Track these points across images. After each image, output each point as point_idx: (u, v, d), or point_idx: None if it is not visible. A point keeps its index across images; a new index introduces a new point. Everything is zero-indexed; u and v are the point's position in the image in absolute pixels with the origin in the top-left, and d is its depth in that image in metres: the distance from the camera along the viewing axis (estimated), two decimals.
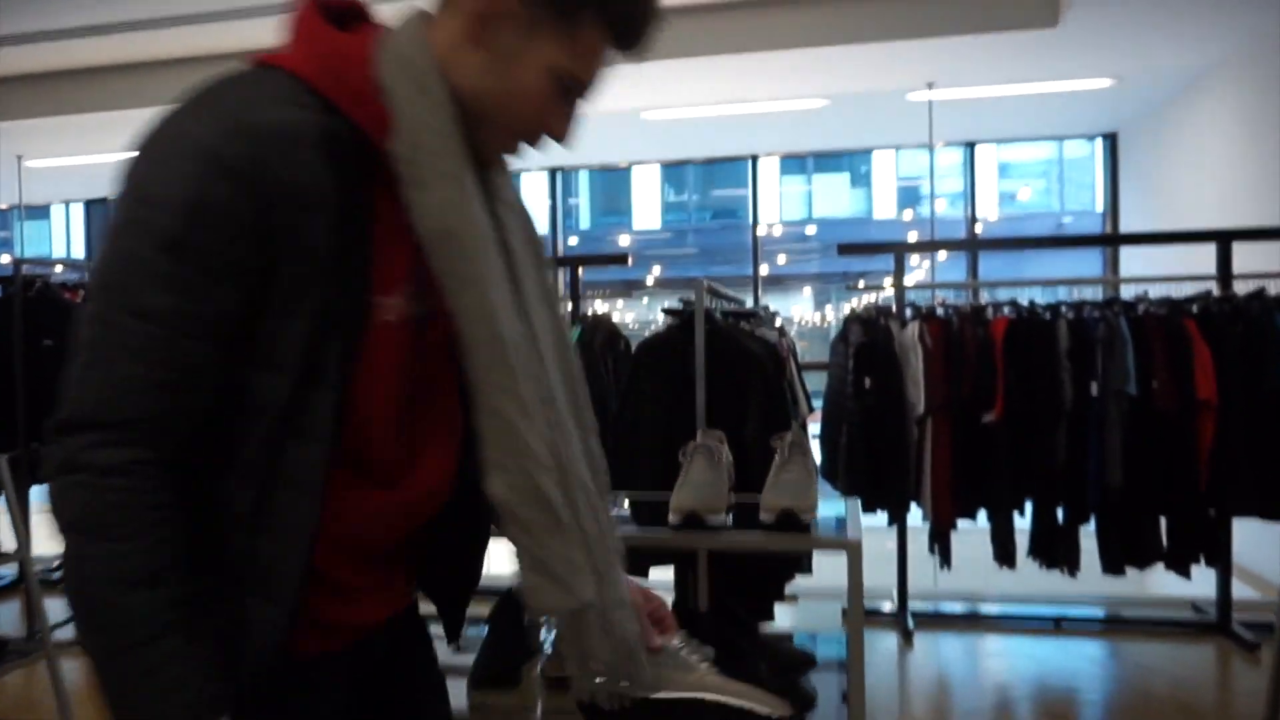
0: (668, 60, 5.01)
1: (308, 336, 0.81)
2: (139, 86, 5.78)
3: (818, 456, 3.78)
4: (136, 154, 0.81)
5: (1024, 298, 3.82)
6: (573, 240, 15.95)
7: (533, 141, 0.94)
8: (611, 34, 0.89)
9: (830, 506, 1.82)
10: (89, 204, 9.69)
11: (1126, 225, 7.01)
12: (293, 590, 0.83)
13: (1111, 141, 7.14)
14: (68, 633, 3.28)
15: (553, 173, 8.07)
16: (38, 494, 3.90)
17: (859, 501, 1.83)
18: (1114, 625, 3.93)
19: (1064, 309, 3.68)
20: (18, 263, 3.95)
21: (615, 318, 4.05)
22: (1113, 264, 7.00)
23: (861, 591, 1.52)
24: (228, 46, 5.34)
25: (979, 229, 7.62)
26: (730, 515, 1.71)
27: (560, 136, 0.94)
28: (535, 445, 0.89)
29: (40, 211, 11.90)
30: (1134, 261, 6.63)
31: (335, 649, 0.92)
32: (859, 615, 1.51)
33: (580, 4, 0.87)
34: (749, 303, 5.44)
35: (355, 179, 0.83)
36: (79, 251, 13.53)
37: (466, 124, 0.88)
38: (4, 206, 10.17)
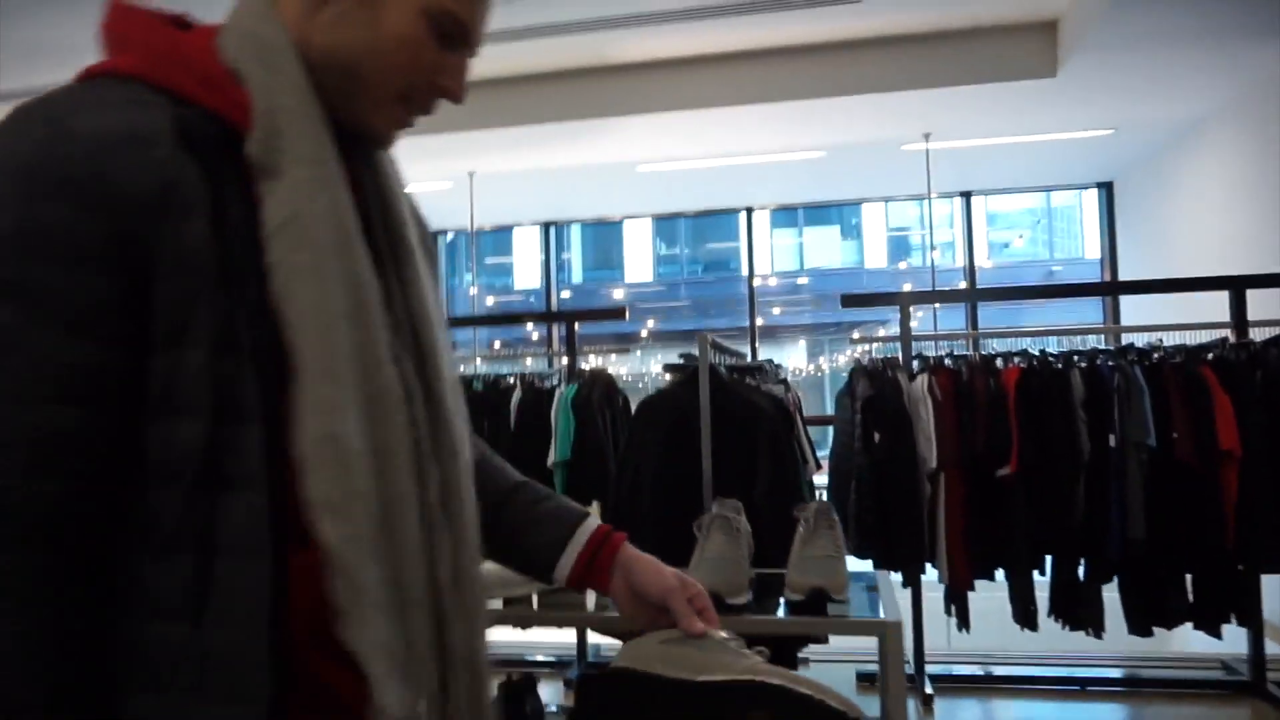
0: (664, 113, 4.97)
1: (211, 367, 0.66)
2: None
3: None
4: None
5: (1029, 347, 3.71)
6: (565, 294, 15.91)
7: (422, 102, 0.81)
8: None
9: (855, 579, 1.67)
10: None
11: (1125, 273, 6.96)
12: (263, 686, 0.66)
13: (1108, 190, 7.13)
14: None
15: (546, 227, 8.01)
16: None
17: (889, 575, 1.68)
18: (1141, 686, 3.75)
19: (1077, 358, 3.57)
20: None
21: (610, 371, 3.93)
22: (1113, 313, 6.93)
23: (901, 676, 1.37)
24: None
25: (977, 275, 7.57)
26: (750, 594, 1.57)
27: (452, 93, 0.81)
28: (369, 483, 0.70)
29: None
30: (1132, 311, 6.57)
31: None
32: (900, 701, 1.35)
33: None
34: (748, 355, 5.32)
35: (230, 173, 0.69)
36: None
37: (335, 101, 0.76)
38: None
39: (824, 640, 2.70)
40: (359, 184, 0.82)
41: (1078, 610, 3.47)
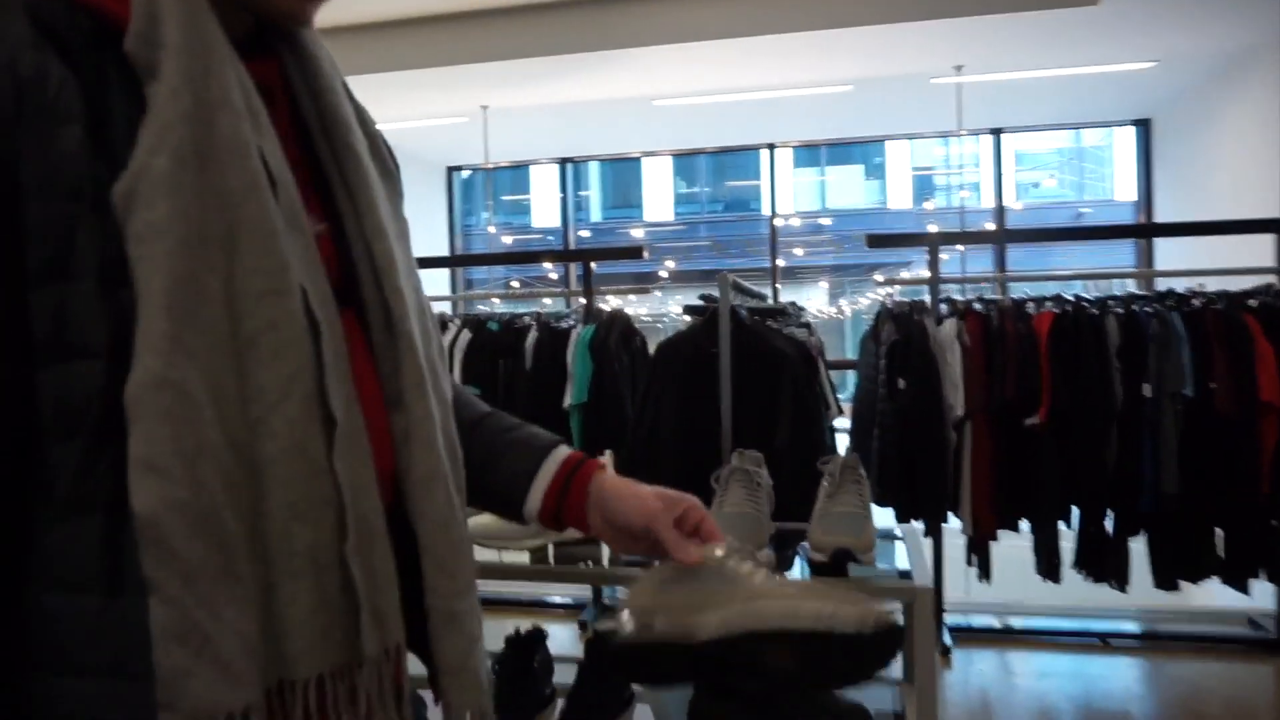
0: (682, 44, 4.76)
1: (101, 300, 0.56)
2: None
3: None
4: None
5: (1060, 292, 3.58)
6: (584, 233, 15.75)
7: None
8: None
9: (882, 542, 1.58)
10: None
11: (1160, 216, 6.75)
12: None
13: (1145, 128, 6.87)
14: None
15: (563, 164, 7.84)
16: None
17: (919, 532, 1.59)
18: (1163, 641, 3.69)
19: (1112, 303, 3.43)
20: None
21: (628, 312, 3.83)
22: (1146, 257, 6.74)
23: (932, 642, 1.29)
24: None
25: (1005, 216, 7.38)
26: (772, 550, 1.48)
27: None
28: (220, 436, 0.59)
29: None
30: (1166, 256, 6.38)
31: None
32: (931, 677, 1.27)
33: None
34: (769, 297, 5.20)
35: (114, 75, 0.59)
36: None
37: None
38: None
39: None
40: (282, 84, 0.71)
41: (1103, 563, 3.40)
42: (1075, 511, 3.43)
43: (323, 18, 0.72)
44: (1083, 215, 15.56)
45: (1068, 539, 3.46)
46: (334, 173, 0.72)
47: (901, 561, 1.47)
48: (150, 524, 0.56)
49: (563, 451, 0.87)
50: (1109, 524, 3.39)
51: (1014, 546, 3.56)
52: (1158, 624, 3.81)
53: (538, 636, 1.68)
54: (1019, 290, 3.83)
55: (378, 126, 0.81)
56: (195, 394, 0.57)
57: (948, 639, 3.58)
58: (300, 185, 0.67)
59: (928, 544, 3.57)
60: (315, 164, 0.72)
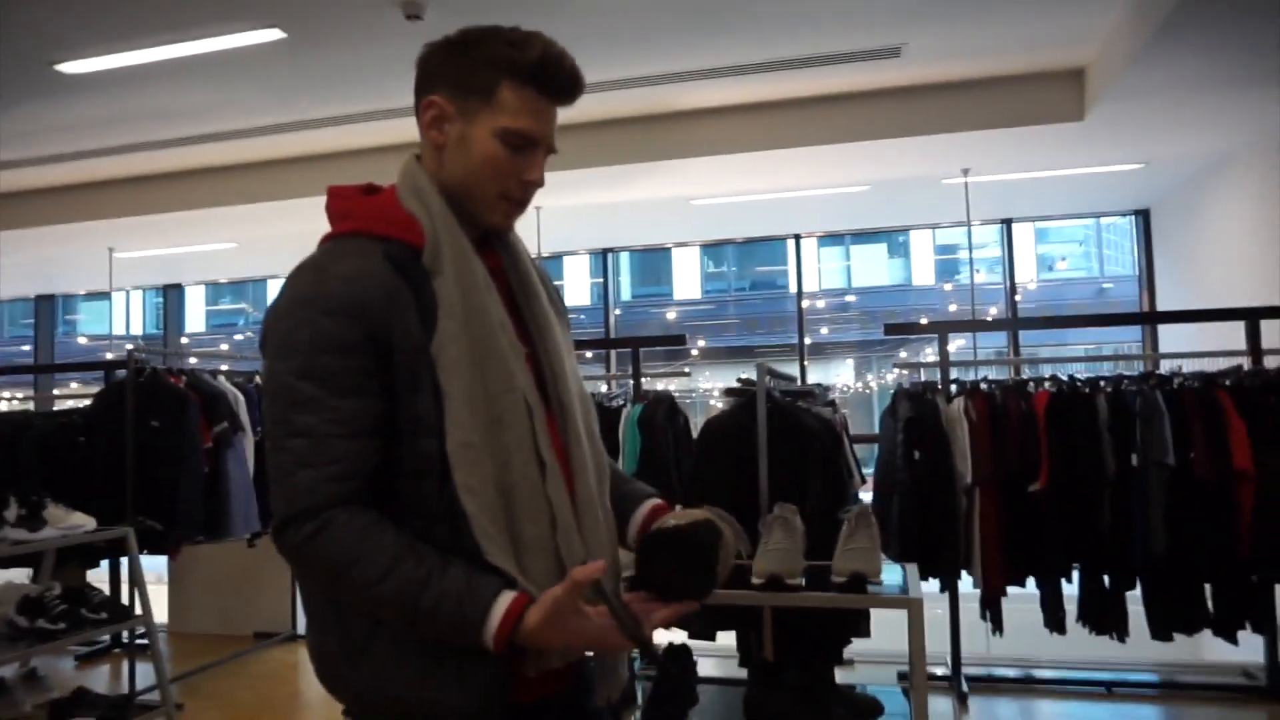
0: (719, 156, 5.39)
1: (434, 404, 1.08)
2: (216, 190, 6.40)
3: None
4: (269, 320, 1.13)
5: (1064, 372, 4.02)
6: (615, 312, 16.35)
7: (518, 196, 1.21)
8: (531, 88, 1.16)
9: (890, 573, 2.07)
10: (159, 289, 10.27)
11: (1162, 297, 7.20)
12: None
13: (1144, 218, 7.39)
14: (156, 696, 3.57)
15: (602, 254, 8.48)
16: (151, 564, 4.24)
17: (915, 567, 2.07)
18: (1167, 690, 4.04)
19: (1103, 383, 3.88)
20: (131, 352, 4.36)
21: (663, 386, 4.32)
22: (1150, 337, 7.18)
23: (923, 643, 1.77)
24: (283, 152, 5.95)
25: (1019, 297, 7.84)
26: (804, 579, 1.97)
27: (536, 182, 1.21)
28: (491, 471, 1.12)
29: (99, 294, 12.57)
30: (1170, 333, 6.80)
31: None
32: (922, 667, 1.75)
33: (490, 81, 1.15)
34: (797, 375, 5.69)
35: (422, 277, 1.13)
36: (136, 330, 14.14)
37: (464, 212, 1.18)
38: (82, 292, 10.83)
39: (866, 634, 3.07)
40: (500, 266, 1.26)
41: (1103, 617, 3.77)
42: (1077, 569, 3.82)
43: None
44: (1104, 290, 15.88)
45: (1074, 594, 3.83)
46: (530, 319, 1.28)
47: (904, 588, 1.95)
48: (474, 518, 1.09)
49: (651, 502, 1.35)
50: (1107, 580, 3.78)
51: (1028, 608, 3.92)
52: (1161, 674, 4.16)
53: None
54: (1040, 370, 4.26)
55: None
56: (480, 449, 1.11)
57: (965, 686, 3.97)
58: (514, 326, 1.22)
59: (944, 600, 3.99)
60: (519, 313, 1.27)
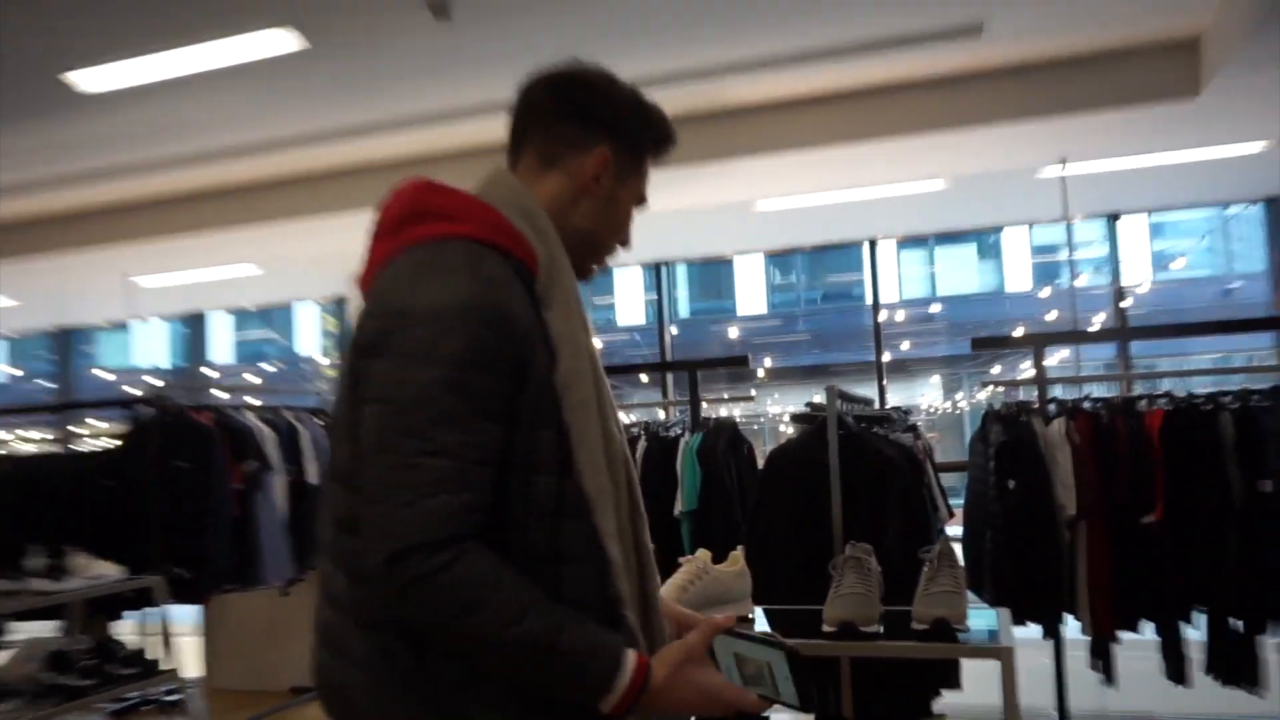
0: (783, 153, 5.40)
1: (556, 442, 1.15)
2: (237, 209, 6.60)
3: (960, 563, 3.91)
4: (399, 319, 1.13)
5: (1184, 387, 3.92)
6: (672, 329, 16.34)
7: (614, 255, 1.37)
8: (657, 158, 1.36)
9: (979, 618, 2.04)
10: (185, 319, 10.60)
11: None
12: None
13: (1274, 205, 7.19)
14: None
15: (656, 268, 8.48)
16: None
17: (1008, 611, 2.05)
18: None
19: (1227, 399, 3.78)
20: (158, 391, 4.52)
21: (725, 413, 4.32)
22: None
23: (1016, 697, 1.75)
24: (308, 167, 6.10)
25: (1129, 302, 7.68)
26: (881, 625, 1.96)
27: (629, 246, 1.37)
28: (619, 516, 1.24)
29: (119, 325, 13.00)
30: None
31: None
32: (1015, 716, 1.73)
33: (644, 149, 1.33)
34: (874, 395, 5.64)
35: (538, 308, 1.19)
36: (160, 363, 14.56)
37: (571, 255, 1.26)
38: (101, 323, 11.24)
39: (956, 685, 3.03)
40: None
41: (1233, 665, 3.66)
42: (1201, 612, 3.71)
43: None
44: (1231, 291, 15.42)
45: (1201, 639, 3.71)
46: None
47: (995, 635, 1.93)
48: (614, 559, 1.18)
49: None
50: (1238, 624, 3.67)
51: (1144, 653, 3.82)
52: None
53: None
54: (1158, 385, 4.15)
55: None
56: (611, 495, 1.19)
57: None
58: None
59: (1047, 647, 3.91)
60: None
